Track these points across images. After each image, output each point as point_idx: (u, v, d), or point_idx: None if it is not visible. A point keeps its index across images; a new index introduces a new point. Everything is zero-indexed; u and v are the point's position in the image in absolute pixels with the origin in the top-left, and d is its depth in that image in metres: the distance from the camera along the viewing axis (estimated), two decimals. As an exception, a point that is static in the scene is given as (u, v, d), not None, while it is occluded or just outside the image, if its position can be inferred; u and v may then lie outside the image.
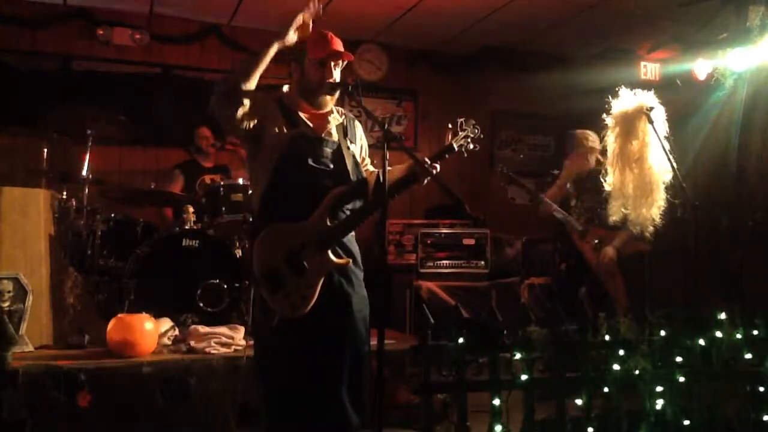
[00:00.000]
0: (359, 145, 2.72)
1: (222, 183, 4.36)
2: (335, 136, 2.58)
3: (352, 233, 2.57)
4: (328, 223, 2.41)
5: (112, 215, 4.32)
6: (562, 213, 4.32)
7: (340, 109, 2.71)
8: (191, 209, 4.16)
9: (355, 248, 2.60)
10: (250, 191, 2.61)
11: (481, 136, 2.60)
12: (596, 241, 4.21)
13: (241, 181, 4.32)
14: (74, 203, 4.13)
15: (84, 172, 4.19)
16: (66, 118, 4.26)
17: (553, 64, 6.40)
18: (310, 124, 2.54)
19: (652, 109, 3.53)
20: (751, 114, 4.80)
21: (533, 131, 6.98)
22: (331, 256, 2.41)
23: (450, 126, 2.60)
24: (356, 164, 2.61)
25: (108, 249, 4.18)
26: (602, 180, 3.95)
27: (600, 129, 3.79)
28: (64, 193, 4.21)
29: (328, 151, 2.53)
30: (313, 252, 2.36)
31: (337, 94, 2.59)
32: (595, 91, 4.14)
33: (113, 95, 5.33)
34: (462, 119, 2.60)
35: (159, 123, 5.55)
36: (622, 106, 3.64)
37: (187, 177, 5.21)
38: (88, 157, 4.22)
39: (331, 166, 2.51)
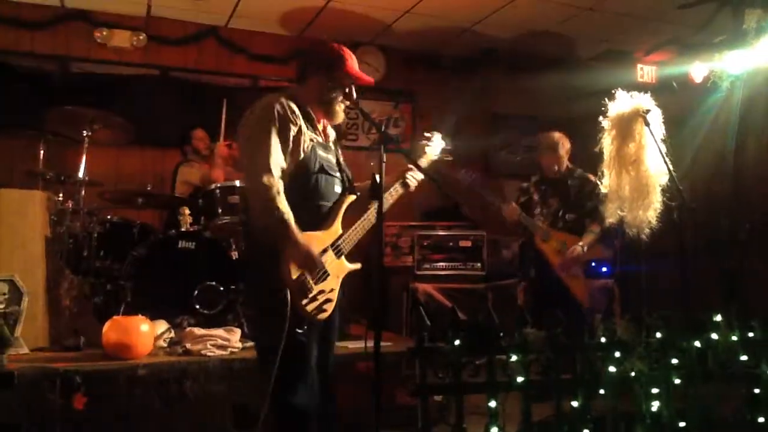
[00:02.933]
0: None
1: (218, 185, 4.33)
2: (332, 143, 2.64)
3: None
4: (340, 230, 2.48)
5: (109, 217, 4.31)
6: (524, 217, 4.33)
7: None
8: (187, 211, 4.15)
9: None
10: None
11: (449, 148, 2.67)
12: (559, 243, 4.24)
13: (237, 182, 4.26)
14: (71, 205, 4.12)
15: (81, 174, 4.17)
16: (63, 119, 4.24)
17: (550, 66, 6.40)
18: (321, 131, 2.57)
19: (648, 111, 3.52)
20: (747, 116, 4.82)
21: (532, 133, 6.97)
22: (345, 261, 2.50)
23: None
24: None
25: (104, 251, 4.17)
26: (571, 185, 4.22)
27: (597, 131, 3.80)
28: (61, 194, 4.21)
29: (331, 158, 2.57)
30: (332, 258, 2.45)
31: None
32: (593, 94, 4.14)
33: (111, 97, 5.31)
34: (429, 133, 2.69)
35: (156, 125, 5.53)
36: (619, 109, 3.63)
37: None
38: (84, 158, 4.21)
39: (338, 173, 2.57)
